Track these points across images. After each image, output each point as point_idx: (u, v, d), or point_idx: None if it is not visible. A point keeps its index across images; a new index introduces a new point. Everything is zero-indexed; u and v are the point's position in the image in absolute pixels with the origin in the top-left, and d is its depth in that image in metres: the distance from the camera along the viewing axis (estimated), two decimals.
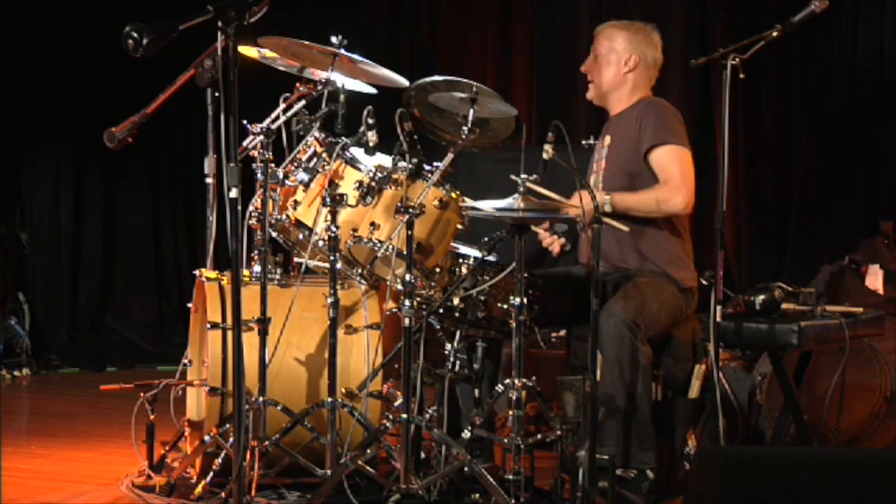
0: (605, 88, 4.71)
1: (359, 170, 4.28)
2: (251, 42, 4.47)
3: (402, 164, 4.20)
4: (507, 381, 4.14)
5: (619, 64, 4.68)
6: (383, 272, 4.33)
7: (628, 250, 4.58)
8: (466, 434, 4.20)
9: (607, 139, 4.71)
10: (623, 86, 4.69)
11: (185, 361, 4.72)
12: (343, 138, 4.31)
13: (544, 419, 4.31)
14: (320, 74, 4.46)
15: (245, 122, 4.24)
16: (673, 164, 4.54)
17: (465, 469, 4.12)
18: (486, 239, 4.34)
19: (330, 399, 4.23)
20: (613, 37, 4.70)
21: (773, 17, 4.45)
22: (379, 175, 4.23)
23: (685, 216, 4.66)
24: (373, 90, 4.63)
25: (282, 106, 4.39)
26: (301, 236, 4.40)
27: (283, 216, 4.37)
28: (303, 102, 4.41)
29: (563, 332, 5.21)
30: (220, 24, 3.42)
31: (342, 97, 4.34)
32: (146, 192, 8.03)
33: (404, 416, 4.10)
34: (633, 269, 4.56)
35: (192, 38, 3.84)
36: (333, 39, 4.33)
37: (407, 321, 4.11)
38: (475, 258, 4.34)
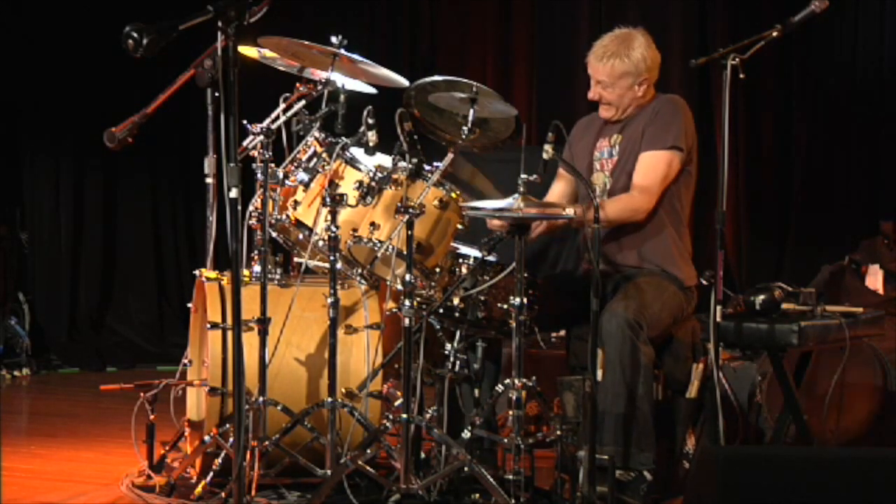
0: (624, 110, 4.63)
1: (359, 170, 4.28)
2: (251, 42, 4.47)
3: (402, 164, 4.20)
4: (507, 381, 4.14)
5: (634, 88, 4.60)
6: (383, 272, 4.33)
7: (629, 250, 4.58)
8: (466, 434, 4.20)
9: (613, 137, 4.67)
10: (637, 100, 4.65)
11: (185, 361, 4.72)
12: (343, 138, 4.31)
13: (544, 419, 4.31)
14: (320, 74, 4.46)
15: (245, 122, 4.24)
16: (650, 170, 4.52)
17: (465, 469, 4.12)
18: (485, 239, 4.34)
19: (330, 399, 4.23)
20: (617, 66, 4.56)
21: (773, 17, 4.44)
22: (379, 175, 4.23)
23: (687, 214, 4.66)
24: (373, 90, 4.63)
25: (282, 106, 4.40)
26: (301, 236, 4.40)
27: (283, 216, 4.37)
28: (303, 102, 4.41)
29: (562, 333, 5.20)
30: (220, 24, 3.42)
31: (342, 97, 4.34)
32: (146, 192, 8.03)
33: (404, 416, 4.10)
34: (634, 269, 4.56)
35: (192, 38, 3.83)
36: (333, 39, 4.33)
37: (407, 321, 4.11)
38: (475, 258, 4.34)
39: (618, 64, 4.57)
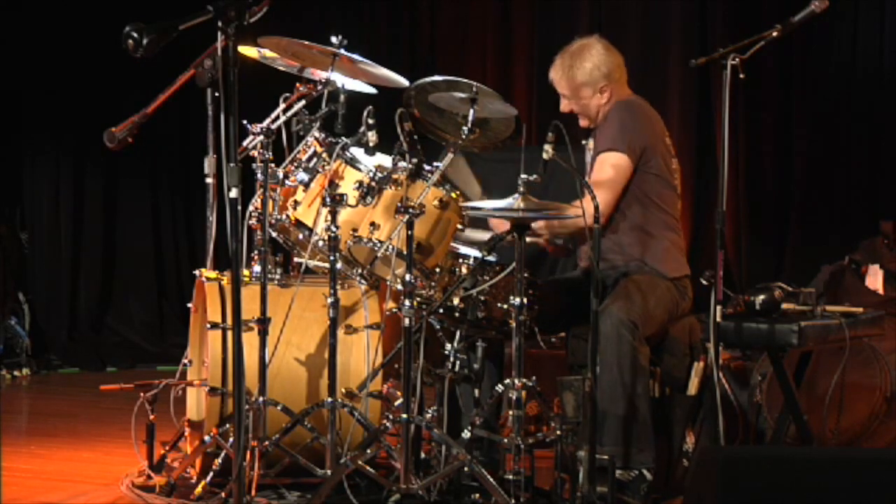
0: (594, 117, 4.66)
1: (359, 170, 4.28)
2: (251, 42, 4.47)
3: (402, 164, 4.21)
4: (507, 381, 4.14)
5: (596, 97, 4.62)
6: (383, 272, 4.33)
7: (629, 249, 4.58)
8: (466, 434, 4.20)
9: (591, 143, 4.72)
10: (604, 106, 4.66)
11: (185, 361, 4.72)
12: (343, 138, 4.31)
13: (544, 419, 4.31)
14: (320, 74, 4.47)
15: (245, 122, 4.24)
16: (602, 172, 4.54)
17: (465, 469, 4.12)
18: (486, 239, 4.34)
19: (330, 399, 4.23)
20: (573, 79, 4.62)
21: (773, 17, 4.45)
22: (379, 175, 4.23)
23: (676, 210, 4.66)
24: (373, 90, 4.63)
25: (282, 106, 4.40)
26: (301, 236, 4.40)
27: (283, 216, 4.37)
28: (303, 102, 4.41)
29: (562, 333, 5.20)
30: (220, 24, 3.42)
31: (342, 97, 4.34)
32: (146, 192, 8.03)
33: (404, 416, 4.10)
34: (632, 268, 4.56)
35: (192, 38, 3.83)
36: (333, 39, 4.33)
37: (407, 321, 4.11)
38: (475, 258, 4.34)
39: (571, 76, 4.63)
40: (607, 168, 4.54)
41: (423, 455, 4.28)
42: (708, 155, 7.00)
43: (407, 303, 4.11)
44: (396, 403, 4.40)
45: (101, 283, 7.89)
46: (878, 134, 6.90)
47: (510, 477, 4.09)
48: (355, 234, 4.24)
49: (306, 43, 4.34)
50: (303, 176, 4.34)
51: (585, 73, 4.62)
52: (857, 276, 5.77)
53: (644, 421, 4.33)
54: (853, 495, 3.38)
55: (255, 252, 4.38)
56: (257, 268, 4.36)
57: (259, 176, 4.28)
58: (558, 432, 4.13)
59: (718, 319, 4.27)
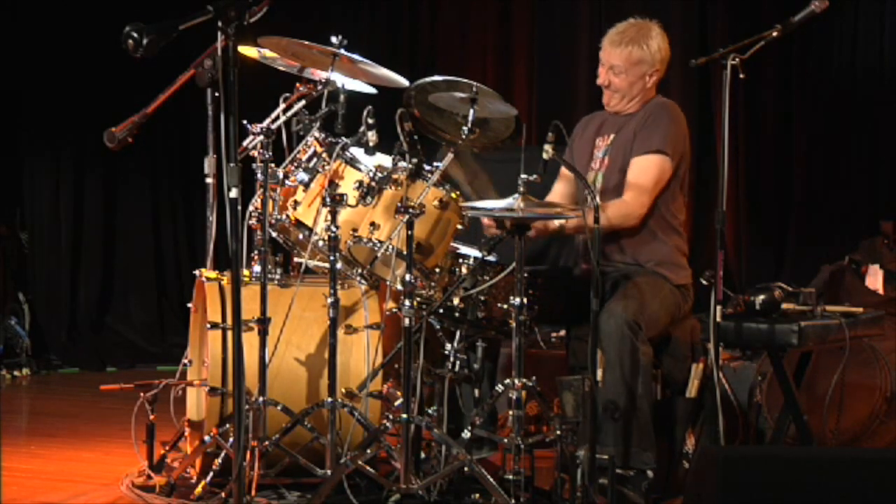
0: (629, 100, 4.62)
1: (359, 170, 4.28)
2: (251, 42, 4.47)
3: (402, 164, 4.21)
4: (507, 381, 4.14)
5: (644, 78, 4.60)
6: (383, 272, 4.33)
7: (631, 251, 4.58)
8: (466, 434, 4.20)
9: (610, 137, 4.67)
10: (644, 92, 4.65)
11: (185, 361, 4.72)
12: (343, 138, 4.31)
13: (544, 419, 4.31)
14: (320, 74, 4.47)
15: (245, 122, 4.24)
16: (647, 175, 4.51)
17: (465, 469, 4.12)
18: (485, 239, 4.34)
19: (330, 399, 4.23)
20: (632, 53, 4.57)
21: (773, 17, 4.45)
22: (379, 175, 4.23)
23: (682, 217, 4.66)
24: (373, 90, 4.63)
25: (282, 106, 4.40)
26: (301, 236, 4.41)
27: (283, 216, 4.37)
28: (303, 102, 4.41)
29: (562, 332, 5.20)
30: (220, 24, 3.42)
31: (342, 97, 4.34)
32: (146, 192, 8.03)
33: (404, 416, 4.10)
34: (633, 268, 4.55)
35: (192, 38, 3.83)
36: (333, 39, 4.33)
37: (407, 321, 4.11)
38: (475, 258, 4.34)
39: (635, 51, 4.58)
40: (653, 171, 4.52)
41: (423, 455, 4.28)
42: (708, 155, 7.00)
43: (407, 303, 4.11)
44: (396, 403, 4.40)
45: (101, 284, 7.89)
46: (877, 134, 6.90)
47: (510, 477, 4.09)
48: (355, 234, 4.24)
49: (306, 43, 4.34)
50: (303, 176, 4.34)
51: (649, 51, 4.58)
52: (857, 276, 5.77)
53: (645, 421, 4.32)
54: (853, 495, 3.38)
55: (255, 252, 4.38)
56: (257, 268, 4.36)
57: (259, 176, 4.28)
58: (558, 432, 4.13)
59: (718, 319, 4.27)
